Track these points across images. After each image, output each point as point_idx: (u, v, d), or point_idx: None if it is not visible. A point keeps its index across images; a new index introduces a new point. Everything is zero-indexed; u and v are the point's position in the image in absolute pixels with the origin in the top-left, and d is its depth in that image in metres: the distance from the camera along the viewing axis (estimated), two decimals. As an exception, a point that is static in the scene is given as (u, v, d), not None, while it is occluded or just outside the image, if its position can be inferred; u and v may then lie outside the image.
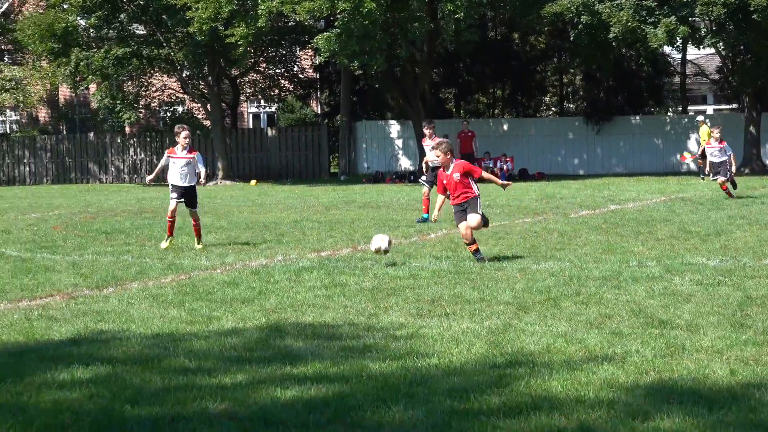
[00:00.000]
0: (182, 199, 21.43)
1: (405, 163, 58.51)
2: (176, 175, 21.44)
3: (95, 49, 53.63)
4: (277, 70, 63.19)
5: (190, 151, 21.62)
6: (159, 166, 22.33)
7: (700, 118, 53.17)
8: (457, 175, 17.96)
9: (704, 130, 44.99)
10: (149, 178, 23.17)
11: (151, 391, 9.30)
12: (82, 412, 8.63)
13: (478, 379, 9.52)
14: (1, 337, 12.02)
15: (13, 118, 75.07)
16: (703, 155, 38.51)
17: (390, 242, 18.25)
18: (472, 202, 17.96)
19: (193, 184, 21.61)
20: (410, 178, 52.41)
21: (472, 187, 18.06)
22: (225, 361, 10.47)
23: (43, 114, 73.22)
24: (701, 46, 53.30)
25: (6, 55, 69.74)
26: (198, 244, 21.14)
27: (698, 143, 49.07)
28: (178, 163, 21.42)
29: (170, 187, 21.64)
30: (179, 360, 10.56)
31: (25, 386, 9.50)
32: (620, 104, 59.43)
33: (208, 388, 9.31)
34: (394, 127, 60.23)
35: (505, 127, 59.71)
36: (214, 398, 8.95)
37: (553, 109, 69.63)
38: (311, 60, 62.93)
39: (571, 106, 67.54)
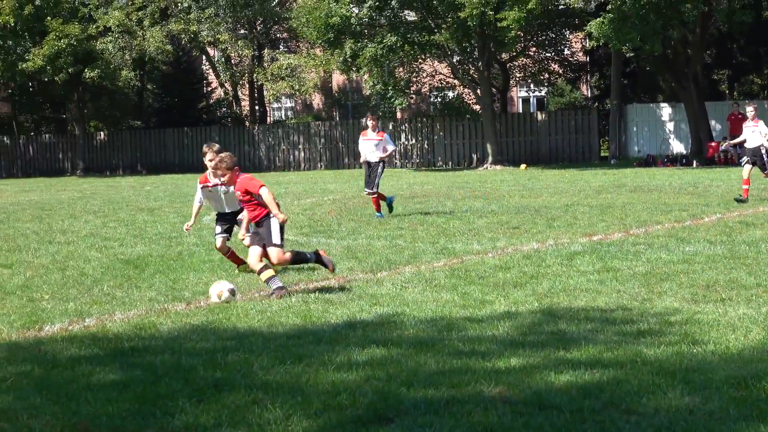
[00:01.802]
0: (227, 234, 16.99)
1: (677, 147, 57.35)
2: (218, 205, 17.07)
3: (367, 38, 54.36)
4: (547, 54, 62.85)
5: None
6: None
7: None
8: (238, 194, 14.83)
9: None
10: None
11: (425, 374, 9.38)
12: (359, 393, 8.77)
13: (756, 366, 9.26)
14: (280, 319, 12.32)
15: (289, 105, 76.99)
16: None
17: (232, 290, 14.00)
18: (265, 223, 14.57)
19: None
20: (682, 161, 51.38)
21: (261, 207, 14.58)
22: (498, 345, 10.47)
23: (317, 101, 74.79)
24: None
25: (282, 44, 71.41)
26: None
27: None
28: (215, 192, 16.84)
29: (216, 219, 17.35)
30: (453, 343, 10.63)
31: (304, 368, 9.72)
32: None
33: (482, 372, 9.33)
34: (666, 110, 59.11)
35: (782, 108, 57.91)
36: (489, 382, 8.97)
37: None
38: (581, 43, 62.39)
39: None
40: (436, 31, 54.32)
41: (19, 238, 22.87)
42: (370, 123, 26.45)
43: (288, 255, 14.77)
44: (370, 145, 25.90)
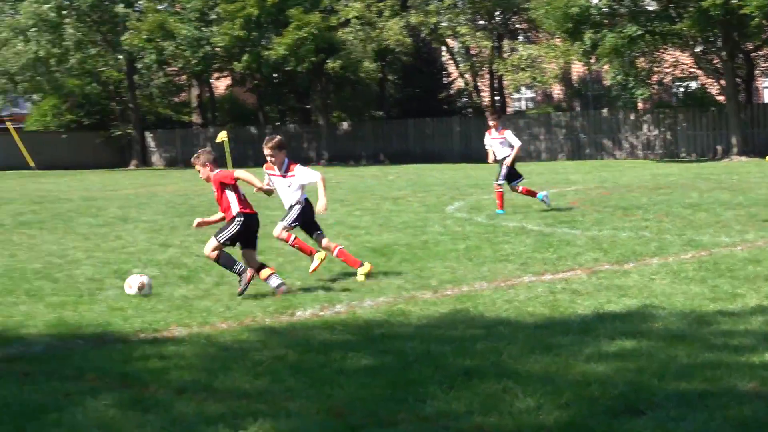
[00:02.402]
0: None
1: None
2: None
3: (607, 28, 53.74)
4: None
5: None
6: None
7: None
8: (214, 190, 14.57)
9: None
10: None
11: (677, 366, 9.23)
12: (610, 384, 8.68)
13: None
14: (527, 309, 12.31)
15: (529, 95, 76.71)
16: None
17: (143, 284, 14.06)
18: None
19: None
20: None
21: (231, 206, 14.33)
22: (751, 339, 10.23)
23: (557, 91, 74.32)
24: None
25: (521, 34, 71.29)
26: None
27: None
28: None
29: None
30: (704, 337, 10.43)
31: (553, 358, 9.68)
32: None
33: (735, 366, 9.13)
34: None
35: None
36: (743, 376, 8.77)
37: None
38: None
39: None
40: (677, 20, 53.32)
41: (269, 225, 23.34)
42: (491, 123, 26.42)
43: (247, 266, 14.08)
44: (496, 143, 25.62)
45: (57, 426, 7.92)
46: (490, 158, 25.84)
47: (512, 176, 25.01)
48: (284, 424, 7.85)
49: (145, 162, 75.85)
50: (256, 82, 73.63)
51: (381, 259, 16.95)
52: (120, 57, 71.63)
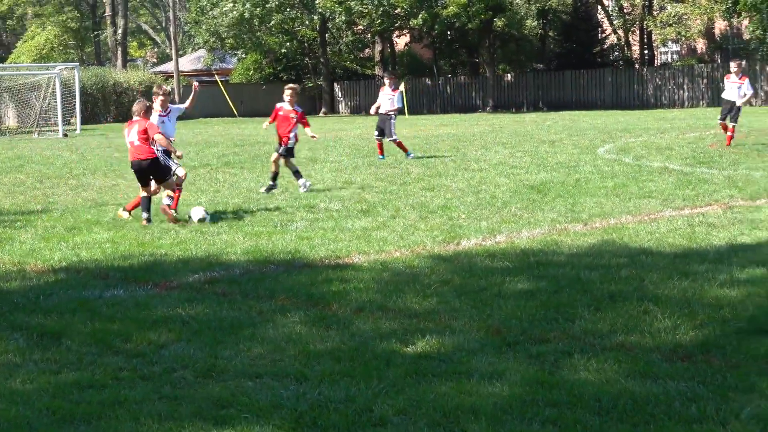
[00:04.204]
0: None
1: None
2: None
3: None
4: None
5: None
6: None
7: None
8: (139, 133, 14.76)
9: None
10: None
11: (804, 293, 8.99)
12: (741, 308, 8.51)
13: None
14: (667, 240, 12.08)
15: (675, 49, 74.99)
16: None
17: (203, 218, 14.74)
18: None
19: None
20: None
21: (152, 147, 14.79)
22: None
23: (700, 45, 72.50)
24: None
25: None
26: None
27: None
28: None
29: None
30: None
31: (690, 284, 9.51)
32: None
33: None
34: None
35: None
36: None
37: None
38: None
39: None
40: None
41: (439, 165, 23.40)
42: (386, 81, 26.03)
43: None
44: (384, 98, 25.30)
45: (251, 339, 8.07)
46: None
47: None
48: (448, 340, 7.86)
49: (333, 110, 76.41)
50: (431, 38, 73.54)
51: (537, 195, 16.80)
52: (315, 17, 72.03)
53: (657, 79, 64.96)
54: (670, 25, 63.49)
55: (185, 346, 7.92)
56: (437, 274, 10.44)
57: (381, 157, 25.33)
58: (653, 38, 69.08)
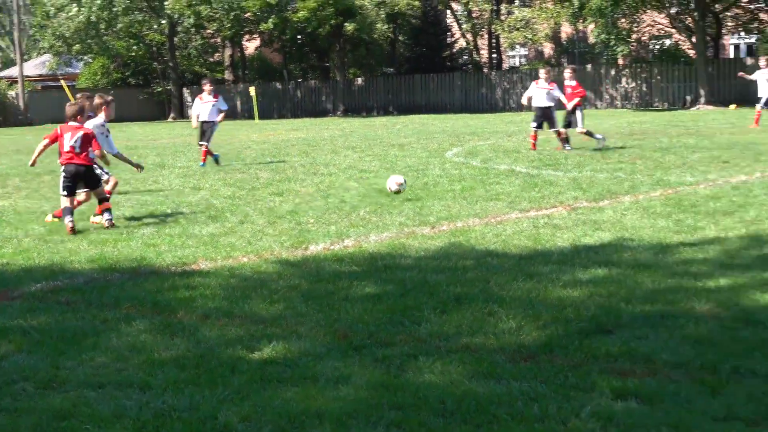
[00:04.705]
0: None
1: None
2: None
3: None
4: (757, 4, 60.52)
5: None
6: None
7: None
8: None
9: None
10: None
11: (642, 291, 9.21)
12: (583, 307, 8.67)
13: None
14: (513, 241, 12.27)
15: (522, 53, 76.34)
16: None
17: (403, 182, 17.28)
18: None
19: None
20: None
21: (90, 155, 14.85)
22: (709, 267, 10.21)
23: (547, 49, 73.92)
24: None
25: (517, -2, 71.05)
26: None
27: None
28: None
29: None
30: (668, 265, 10.41)
31: (534, 285, 9.66)
32: None
33: (693, 291, 9.12)
34: None
35: None
36: (699, 299, 8.76)
37: None
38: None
39: None
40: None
41: (288, 170, 23.37)
42: (206, 88, 25.70)
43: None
44: (207, 107, 25.24)
45: (94, 349, 7.92)
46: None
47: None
48: (295, 345, 7.85)
49: (182, 115, 75.65)
50: (281, 43, 73.45)
51: (386, 199, 16.90)
52: (163, 21, 71.26)
53: (505, 83, 66.00)
54: (518, 29, 64.62)
55: (26, 357, 7.74)
56: (285, 279, 10.41)
57: (202, 164, 25.03)
58: (501, 42, 70.21)
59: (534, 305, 8.83)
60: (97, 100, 16.45)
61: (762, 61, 33.65)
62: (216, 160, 25.18)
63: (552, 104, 26.32)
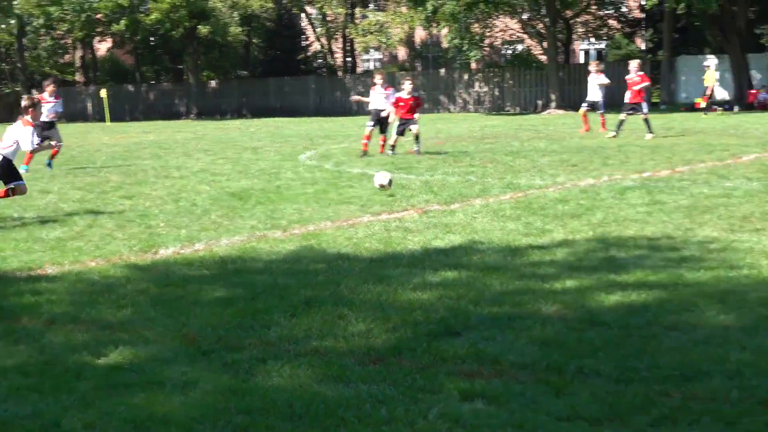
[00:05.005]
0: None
1: (721, 94, 56.38)
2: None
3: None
4: (606, 11, 62.11)
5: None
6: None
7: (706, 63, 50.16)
8: None
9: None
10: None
11: (491, 293, 9.33)
12: (432, 310, 8.75)
13: (786, 289, 9.13)
14: (364, 245, 12.32)
15: (377, 56, 76.77)
16: None
17: (390, 180, 17.52)
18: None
19: None
20: (725, 107, 50.66)
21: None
22: (556, 269, 10.40)
23: (401, 53, 74.48)
24: None
25: (371, 3, 71.33)
26: None
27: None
28: None
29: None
30: (516, 267, 10.57)
31: (384, 288, 9.71)
32: None
33: (541, 292, 9.28)
34: (712, 61, 58.04)
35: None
36: (546, 301, 8.92)
37: None
38: (638, 1, 61.45)
39: None
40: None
41: (139, 173, 23.07)
42: (48, 89, 25.61)
43: None
44: (47, 107, 24.92)
45: (-69, 356, 7.70)
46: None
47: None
48: (142, 351, 7.75)
49: (32, 117, 74.03)
50: (134, 44, 72.49)
51: (238, 203, 16.82)
52: (12, 21, 69.66)
53: (359, 87, 66.27)
54: (372, 33, 64.98)
55: None
56: (133, 283, 10.27)
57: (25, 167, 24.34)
58: (356, 46, 70.51)
59: (384, 308, 8.87)
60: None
61: (592, 66, 34.62)
62: (49, 164, 24.73)
63: (387, 109, 26.45)
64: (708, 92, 46.17)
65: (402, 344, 7.75)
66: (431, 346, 7.66)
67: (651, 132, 29.81)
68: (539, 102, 59.15)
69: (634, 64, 31.62)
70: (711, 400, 6.31)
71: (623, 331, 7.90)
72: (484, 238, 12.51)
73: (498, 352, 7.43)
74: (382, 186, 17.36)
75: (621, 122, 30.58)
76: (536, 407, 6.29)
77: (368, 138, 26.29)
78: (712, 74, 46.33)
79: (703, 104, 46.92)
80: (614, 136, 29.83)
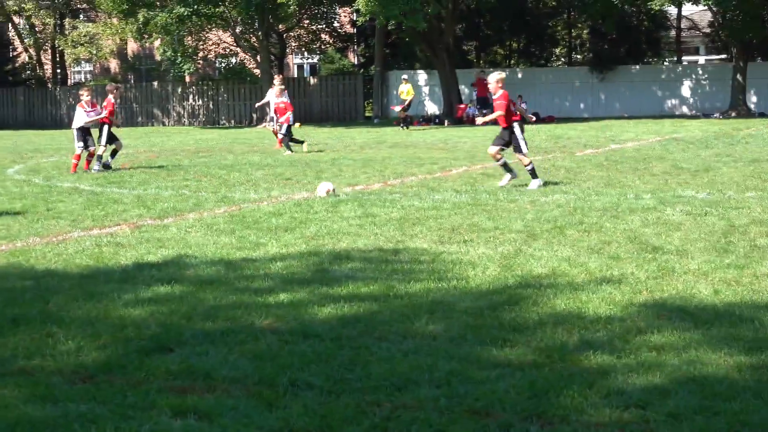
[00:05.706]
0: None
1: (431, 108, 58.22)
2: None
3: (159, 9, 53.34)
4: (318, 26, 62.94)
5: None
6: None
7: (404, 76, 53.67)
8: None
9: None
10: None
11: (204, 308, 9.29)
12: (144, 326, 8.64)
13: (491, 298, 9.48)
14: (74, 260, 12.04)
15: (88, 68, 75.21)
16: None
17: (333, 188, 18.39)
18: None
19: None
20: (435, 121, 52.37)
21: None
22: (270, 282, 10.45)
23: (113, 65, 73.23)
24: (697, 3, 52.83)
25: (81, 13, 69.80)
26: None
27: None
28: None
29: None
30: (230, 281, 10.56)
31: (95, 304, 9.52)
32: (622, 55, 58.57)
33: (254, 306, 9.30)
34: (422, 76, 59.87)
35: (520, 75, 59.10)
36: (260, 315, 8.95)
37: (562, 59, 68.87)
38: (349, 16, 62.59)
39: (579, 56, 67.08)
40: (221, 3, 53.67)
41: None
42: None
43: None
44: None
45: None
46: None
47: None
48: None
49: None
50: None
51: (-60, 219, 16.10)
52: None
53: (71, 99, 64.63)
54: (83, 45, 63.68)
55: None
56: None
57: None
58: (66, 57, 68.93)
59: (94, 325, 8.69)
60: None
61: (276, 79, 34.75)
62: None
63: (90, 124, 25.41)
64: (406, 105, 47.67)
65: (113, 361, 7.63)
66: (143, 362, 7.56)
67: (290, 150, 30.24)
68: (254, 115, 59.34)
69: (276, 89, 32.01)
70: (420, 409, 6.48)
71: (335, 343, 8.02)
72: (197, 252, 12.44)
73: (210, 367, 7.41)
74: (328, 192, 18.13)
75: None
76: (248, 421, 6.30)
77: (78, 158, 25.44)
78: (409, 87, 47.97)
79: (398, 115, 48.42)
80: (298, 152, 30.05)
